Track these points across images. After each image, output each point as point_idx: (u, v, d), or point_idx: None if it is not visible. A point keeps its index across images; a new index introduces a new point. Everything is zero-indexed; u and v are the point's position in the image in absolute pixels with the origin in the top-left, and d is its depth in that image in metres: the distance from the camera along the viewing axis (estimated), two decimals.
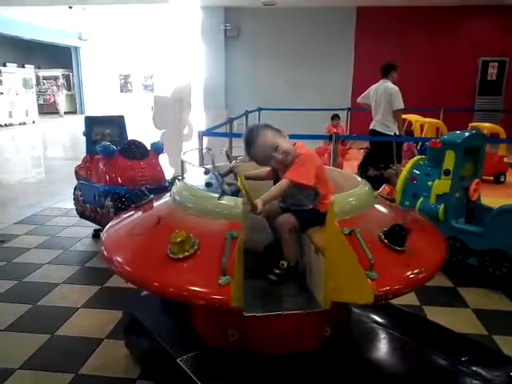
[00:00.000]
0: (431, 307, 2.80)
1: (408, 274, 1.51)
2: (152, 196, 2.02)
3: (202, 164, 4.81)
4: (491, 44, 11.34)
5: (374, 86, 5.62)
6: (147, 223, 1.83)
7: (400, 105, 5.33)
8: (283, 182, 1.85)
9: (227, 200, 1.68)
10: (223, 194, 1.74)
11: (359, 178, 2.00)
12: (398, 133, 5.46)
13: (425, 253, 1.65)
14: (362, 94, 5.84)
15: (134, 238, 1.78)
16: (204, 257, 1.51)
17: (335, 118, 8.21)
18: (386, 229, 1.57)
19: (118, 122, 4.20)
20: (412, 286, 1.54)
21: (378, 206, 1.89)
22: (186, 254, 1.51)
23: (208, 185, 2.07)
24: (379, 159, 5.42)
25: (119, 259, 1.65)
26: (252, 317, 1.61)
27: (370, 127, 5.66)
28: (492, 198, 3.86)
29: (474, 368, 1.66)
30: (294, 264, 1.85)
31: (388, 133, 5.42)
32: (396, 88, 5.35)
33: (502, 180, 6.47)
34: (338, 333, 1.80)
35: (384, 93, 5.39)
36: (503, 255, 2.97)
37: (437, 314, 2.64)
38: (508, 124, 7.82)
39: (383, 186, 2.13)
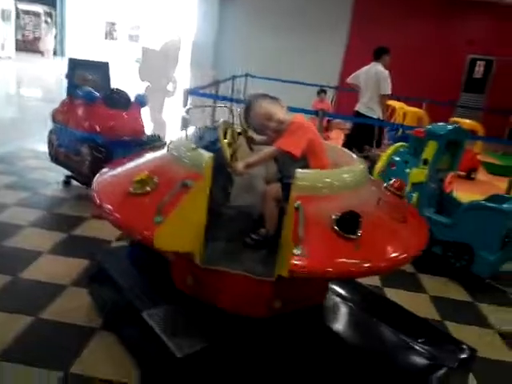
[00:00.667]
0: (391, 289, 2.89)
1: (344, 260, 1.47)
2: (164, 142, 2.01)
3: (185, 125, 4.74)
4: (481, 42, 11.41)
5: (364, 68, 5.59)
6: (134, 168, 1.87)
7: (388, 90, 5.34)
8: (270, 149, 1.88)
9: (199, 152, 1.70)
10: (198, 146, 1.78)
11: (355, 157, 1.97)
12: (381, 117, 5.50)
13: (387, 244, 1.59)
14: (353, 74, 5.79)
15: (115, 179, 1.85)
16: (157, 197, 1.59)
17: (321, 92, 8.27)
18: (339, 214, 1.52)
19: (102, 69, 4.05)
20: (347, 273, 1.52)
21: (365, 189, 1.79)
22: (144, 190, 1.62)
23: (201, 138, 2.06)
24: (360, 141, 5.47)
25: (101, 197, 1.74)
26: (204, 267, 1.65)
27: (355, 108, 5.67)
28: (462, 193, 3.99)
29: (427, 348, 1.74)
30: (273, 233, 1.86)
31: (372, 116, 5.44)
32: (386, 72, 5.35)
33: (473, 177, 6.66)
34: (294, 308, 1.79)
35: (374, 76, 5.38)
36: (466, 248, 3.08)
37: (396, 296, 2.73)
38: (486, 122, 7.97)
39: (393, 179, 2.01)
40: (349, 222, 1.51)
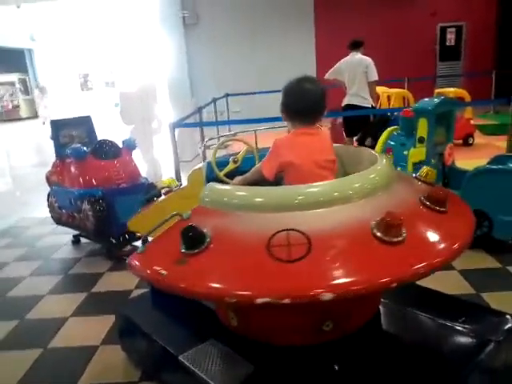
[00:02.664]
0: None
1: (158, 270, 1.41)
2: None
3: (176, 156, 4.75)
4: (448, 9, 11.48)
5: (344, 60, 5.44)
6: None
7: (376, 76, 5.26)
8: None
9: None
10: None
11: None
12: (374, 105, 5.45)
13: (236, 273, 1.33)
14: (330, 70, 5.60)
15: None
16: None
17: None
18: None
19: (85, 123, 4.07)
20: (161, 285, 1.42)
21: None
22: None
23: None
24: (360, 133, 5.33)
25: None
26: None
27: (345, 102, 5.46)
28: (464, 161, 3.96)
29: (471, 327, 1.70)
30: None
31: (365, 105, 5.32)
32: (370, 59, 5.29)
33: (471, 142, 6.64)
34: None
35: (359, 65, 5.30)
36: (482, 215, 3.04)
37: (425, 279, 2.68)
38: (469, 87, 7.97)
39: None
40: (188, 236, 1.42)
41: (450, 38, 11.74)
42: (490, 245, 3.08)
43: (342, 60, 5.49)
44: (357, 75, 5.32)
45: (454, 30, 11.68)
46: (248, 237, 1.39)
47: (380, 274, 1.25)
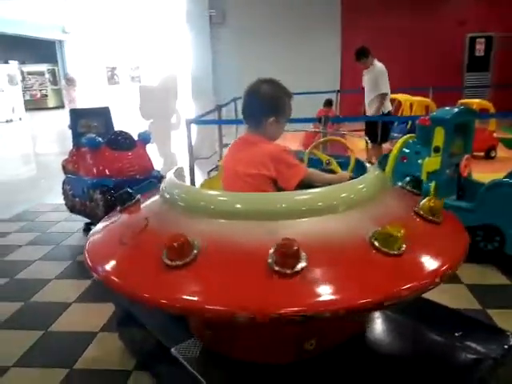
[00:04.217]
0: None
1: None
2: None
3: (191, 152, 4.78)
4: (478, 19, 11.26)
5: (383, 66, 5.57)
6: None
7: None
8: None
9: None
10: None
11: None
12: None
13: None
14: (385, 81, 5.53)
15: None
16: None
17: (327, 104, 7.52)
18: None
19: (103, 114, 4.13)
20: None
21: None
22: None
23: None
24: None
25: None
26: None
27: (389, 108, 5.72)
28: (483, 174, 3.86)
29: (468, 343, 1.65)
30: None
31: None
32: None
33: (493, 155, 6.49)
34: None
35: None
36: (494, 229, 2.97)
37: (431, 291, 2.63)
38: (496, 99, 7.79)
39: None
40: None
41: (479, 48, 11.50)
42: (501, 260, 3.00)
43: (382, 67, 5.53)
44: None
45: (483, 40, 11.45)
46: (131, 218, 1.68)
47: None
